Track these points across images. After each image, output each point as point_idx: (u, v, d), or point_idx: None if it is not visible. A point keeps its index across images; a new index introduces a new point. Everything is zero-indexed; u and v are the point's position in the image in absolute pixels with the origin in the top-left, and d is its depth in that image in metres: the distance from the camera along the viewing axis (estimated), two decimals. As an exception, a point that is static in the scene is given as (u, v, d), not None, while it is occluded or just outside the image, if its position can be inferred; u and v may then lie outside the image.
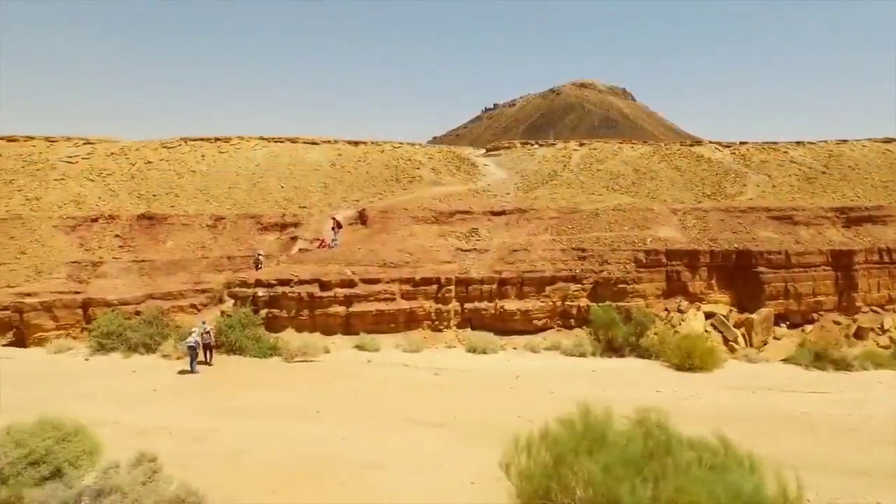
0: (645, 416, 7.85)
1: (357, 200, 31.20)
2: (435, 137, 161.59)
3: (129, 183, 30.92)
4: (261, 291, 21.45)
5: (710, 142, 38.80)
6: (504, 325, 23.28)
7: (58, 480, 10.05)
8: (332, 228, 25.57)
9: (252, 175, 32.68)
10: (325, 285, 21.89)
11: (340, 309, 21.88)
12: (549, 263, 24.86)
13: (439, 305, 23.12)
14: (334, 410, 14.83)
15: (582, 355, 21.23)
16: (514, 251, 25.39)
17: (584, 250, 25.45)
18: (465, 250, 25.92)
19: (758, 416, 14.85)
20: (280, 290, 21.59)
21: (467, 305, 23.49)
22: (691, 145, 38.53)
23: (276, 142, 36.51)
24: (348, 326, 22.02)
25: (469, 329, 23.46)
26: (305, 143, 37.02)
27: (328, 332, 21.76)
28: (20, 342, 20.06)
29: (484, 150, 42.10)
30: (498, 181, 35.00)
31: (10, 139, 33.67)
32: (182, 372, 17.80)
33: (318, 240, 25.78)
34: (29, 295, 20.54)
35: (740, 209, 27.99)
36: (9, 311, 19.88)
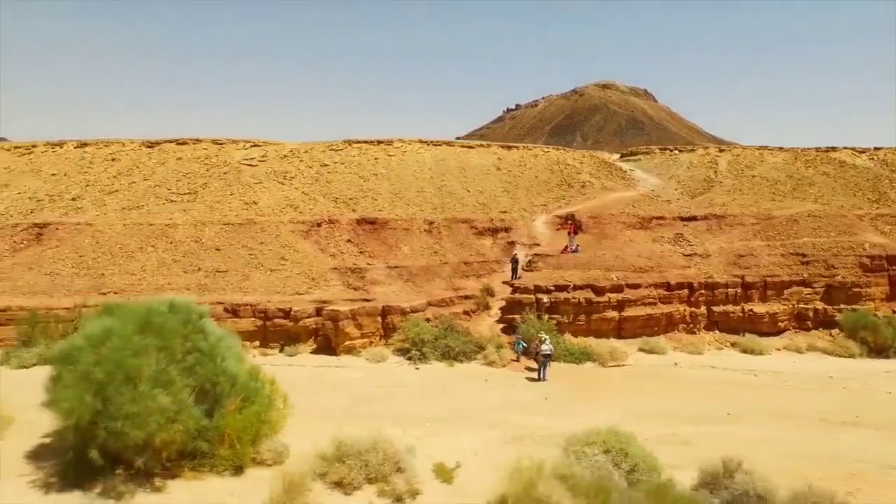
0: None
1: (544, 205, 31.63)
2: (458, 137, 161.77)
3: (315, 186, 30.79)
4: (544, 297, 21.83)
5: (845, 147, 40.19)
6: (751, 328, 24.06)
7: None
8: (569, 234, 26.01)
9: (431, 178, 32.79)
10: (598, 290, 22.38)
11: (614, 314, 22.40)
12: (778, 268, 25.75)
13: (693, 309, 23.81)
14: (741, 414, 15.40)
15: (851, 356, 22.18)
16: (742, 256, 26.22)
17: (804, 255, 26.40)
18: (688, 255, 26.64)
19: None
20: (560, 295, 22.00)
21: (714, 308, 24.22)
22: (827, 151, 39.84)
23: (435, 145, 36.65)
24: (619, 330, 22.55)
25: (716, 331, 24.22)
26: (462, 146, 37.27)
27: (601, 336, 22.25)
28: (324, 349, 20.07)
29: (619, 156, 42.87)
30: (658, 186, 35.75)
31: (180, 142, 33.17)
32: (531, 380, 18.16)
33: (562, 246, 26.13)
34: (325, 302, 20.54)
35: (933, 214, 29.30)
36: (319, 319, 19.86)
